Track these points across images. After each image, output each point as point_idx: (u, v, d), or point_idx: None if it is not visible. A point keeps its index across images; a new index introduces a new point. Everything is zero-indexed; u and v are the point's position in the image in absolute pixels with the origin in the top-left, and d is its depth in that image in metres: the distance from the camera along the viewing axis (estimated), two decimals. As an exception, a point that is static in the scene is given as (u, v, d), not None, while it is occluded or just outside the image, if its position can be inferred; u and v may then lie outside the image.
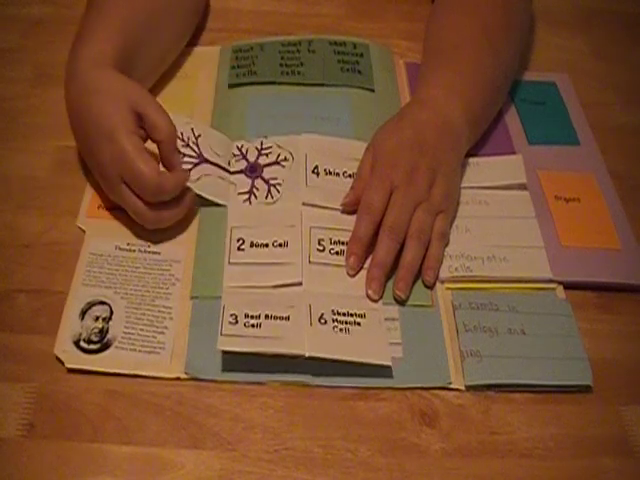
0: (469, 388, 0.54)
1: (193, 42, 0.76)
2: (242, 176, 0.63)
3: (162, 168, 0.58)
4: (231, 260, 0.58)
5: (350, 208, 0.60)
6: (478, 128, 0.65)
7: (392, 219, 0.56)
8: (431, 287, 0.58)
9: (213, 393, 0.52)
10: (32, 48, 0.74)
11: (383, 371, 0.53)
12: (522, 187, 0.65)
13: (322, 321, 0.54)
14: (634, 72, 0.80)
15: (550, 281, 0.60)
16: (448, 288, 0.59)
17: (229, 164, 0.64)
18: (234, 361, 0.53)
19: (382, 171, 0.58)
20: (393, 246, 0.56)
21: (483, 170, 0.66)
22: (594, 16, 0.86)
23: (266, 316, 0.54)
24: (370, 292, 0.56)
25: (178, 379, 0.53)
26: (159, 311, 0.56)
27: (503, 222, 0.63)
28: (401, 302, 0.57)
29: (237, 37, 0.78)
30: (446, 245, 0.60)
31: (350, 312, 0.55)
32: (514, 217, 0.63)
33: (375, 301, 0.56)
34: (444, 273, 0.59)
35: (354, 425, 0.51)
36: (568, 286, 0.60)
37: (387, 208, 0.57)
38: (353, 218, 0.59)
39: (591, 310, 0.59)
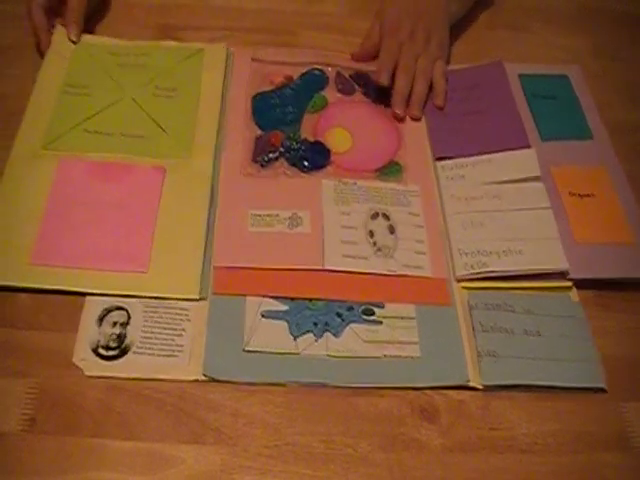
0: (486, 388, 0.54)
1: (194, 40, 0.77)
2: None
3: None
4: None
5: (357, 59, 0.76)
6: None
7: (403, 64, 0.72)
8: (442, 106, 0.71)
9: (214, 389, 0.53)
10: (33, 46, 0.74)
11: (401, 370, 0.54)
12: (536, 179, 0.65)
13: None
14: (634, 71, 0.80)
15: (565, 277, 0.59)
16: (464, 287, 0.59)
17: None
18: (252, 362, 0.53)
19: (389, 36, 0.73)
20: (406, 81, 0.71)
21: (496, 166, 0.66)
22: (595, 15, 0.86)
23: None
24: (414, 112, 0.71)
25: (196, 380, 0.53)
26: (176, 313, 0.56)
27: (517, 215, 0.62)
28: (417, 119, 0.71)
29: (238, 36, 0.78)
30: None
31: None
32: (528, 209, 0.63)
33: (419, 119, 0.71)
34: (460, 271, 0.59)
35: (354, 420, 0.52)
36: (582, 283, 0.60)
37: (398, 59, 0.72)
38: None
39: (591, 308, 0.60)
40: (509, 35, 0.82)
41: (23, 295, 0.56)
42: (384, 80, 0.71)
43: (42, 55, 0.72)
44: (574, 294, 0.60)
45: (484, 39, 0.81)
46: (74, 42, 0.73)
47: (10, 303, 0.56)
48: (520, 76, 0.75)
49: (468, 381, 0.54)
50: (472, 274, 0.59)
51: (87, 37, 0.74)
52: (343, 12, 0.82)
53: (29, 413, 0.50)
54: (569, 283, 0.60)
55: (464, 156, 0.67)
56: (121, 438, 0.50)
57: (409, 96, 0.72)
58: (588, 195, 0.65)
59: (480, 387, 0.54)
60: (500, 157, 0.67)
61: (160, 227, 0.60)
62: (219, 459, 0.49)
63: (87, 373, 0.52)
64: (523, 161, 0.66)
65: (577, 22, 0.85)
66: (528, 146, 0.68)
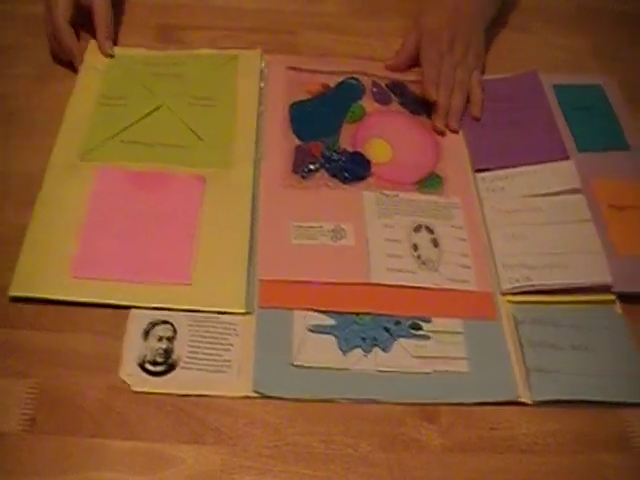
0: (536, 404, 0.53)
1: (193, 40, 0.77)
2: None
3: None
4: None
5: (393, 70, 0.75)
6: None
7: (444, 76, 0.72)
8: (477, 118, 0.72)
9: (214, 389, 0.53)
10: (33, 46, 0.74)
11: (450, 386, 0.54)
12: (576, 192, 0.65)
13: None
14: (634, 71, 0.80)
15: (609, 289, 0.59)
16: (510, 301, 0.59)
17: None
18: (302, 377, 0.53)
19: (430, 47, 0.73)
20: (448, 95, 0.71)
21: (536, 178, 0.66)
22: (595, 15, 0.86)
23: None
24: (453, 124, 0.71)
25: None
26: (223, 327, 0.55)
27: (559, 228, 0.62)
28: (455, 131, 0.70)
29: (238, 35, 0.78)
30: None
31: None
32: (569, 222, 0.63)
33: (457, 131, 0.70)
34: (504, 285, 0.59)
35: (354, 420, 0.52)
36: (627, 296, 0.59)
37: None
38: None
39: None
40: (509, 35, 0.82)
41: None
42: (433, 96, 0.70)
43: (75, 70, 0.72)
44: (618, 306, 0.59)
45: (484, 39, 0.81)
46: (111, 56, 0.73)
47: (10, 303, 0.56)
48: (554, 87, 0.75)
49: (518, 397, 0.53)
50: (517, 288, 0.59)
51: (120, 49, 0.74)
52: (343, 12, 0.83)
53: (29, 413, 0.50)
54: (612, 296, 0.59)
55: (503, 167, 0.67)
56: (121, 438, 0.50)
57: None
58: (628, 207, 0.65)
59: (530, 403, 0.53)
60: (539, 169, 0.66)
61: (202, 238, 0.60)
62: (219, 459, 0.49)
63: (134, 389, 0.52)
64: (562, 173, 0.66)
65: (577, 22, 0.85)
66: (567, 157, 0.67)
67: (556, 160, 0.67)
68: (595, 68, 0.79)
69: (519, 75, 0.76)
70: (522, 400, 0.53)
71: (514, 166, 0.67)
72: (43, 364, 0.53)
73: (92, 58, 0.73)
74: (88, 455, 0.49)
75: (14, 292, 0.55)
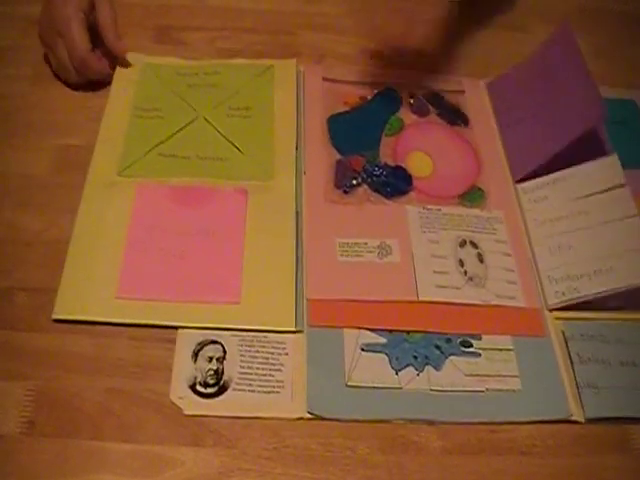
0: (590, 421, 0.53)
1: (192, 40, 0.76)
2: None
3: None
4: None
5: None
6: None
7: None
8: None
9: (213, 391, 0.53)
10: (31, 46, 0.74)
11: (504, 404, 0.53)
12: (620, 187, 0.63)
13: None
14: (634, 71, 0.80)
15: None
16: (557, 318, 0.58)
17: None
18: (356, 397, 0.53)
19: None
20: None
21: (579, 180, 0.64)
22: (595, 15, 0.86)
23: None
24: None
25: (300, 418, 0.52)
26: (273, 347, 0.54)
27: (605, 228, 0.61)
28: None
29: (237, 36, 0.78)
30: None
31: None
32: (615, 220, 0.61)
33: None
34: (551, 300, 0.59)
35: (353, 422, 0.52)
36: None
37: None
38: None
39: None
40: (509, 35, 0.82)
41: (22, 296, 0.56)
42: None
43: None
44: None
45: (484, 39, 0.81)
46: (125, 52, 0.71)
47: (9, 304, 0.56)
48: None
49: (571, 416, 0.53)
50: (564, 301, 0.58)
51: (153, 58, 0.73)
52: (342, 12, 0.82)
53: (28, 416, 0.50)
54: None
55: (542, 167, 0.65)
56: (120, 440, 0.50)
57: None
58: None
59: (582, 421, 0.53)
60: (581, 170, 0.64)
61: (248, 253, 0.59)
62: (218, 461, 0.49)
63: (186, 412, 0.51)
64: (606, 170, 0.63)
65: (577, 22, 0.84)
66: (601, 117, 0.64)
67: (593, 122, 0.64)
68: (595, 68, 0.78)
69: (552, 35, 0.72)
70: (575, 419, 0.53)
71: (552, 154, 0.64)
72: (42, 366, 0.53)
73: (123, 70, 0.72)
74: (87, 458, 0.49)
75: (58, 315, 0.54)
